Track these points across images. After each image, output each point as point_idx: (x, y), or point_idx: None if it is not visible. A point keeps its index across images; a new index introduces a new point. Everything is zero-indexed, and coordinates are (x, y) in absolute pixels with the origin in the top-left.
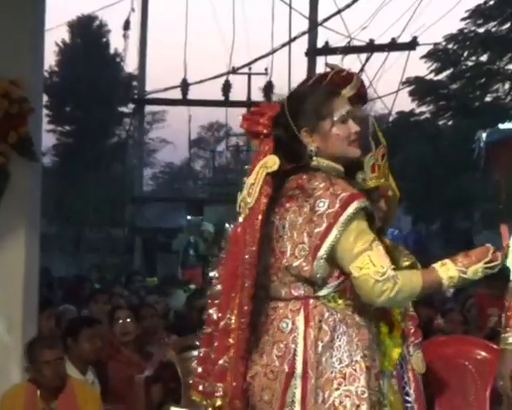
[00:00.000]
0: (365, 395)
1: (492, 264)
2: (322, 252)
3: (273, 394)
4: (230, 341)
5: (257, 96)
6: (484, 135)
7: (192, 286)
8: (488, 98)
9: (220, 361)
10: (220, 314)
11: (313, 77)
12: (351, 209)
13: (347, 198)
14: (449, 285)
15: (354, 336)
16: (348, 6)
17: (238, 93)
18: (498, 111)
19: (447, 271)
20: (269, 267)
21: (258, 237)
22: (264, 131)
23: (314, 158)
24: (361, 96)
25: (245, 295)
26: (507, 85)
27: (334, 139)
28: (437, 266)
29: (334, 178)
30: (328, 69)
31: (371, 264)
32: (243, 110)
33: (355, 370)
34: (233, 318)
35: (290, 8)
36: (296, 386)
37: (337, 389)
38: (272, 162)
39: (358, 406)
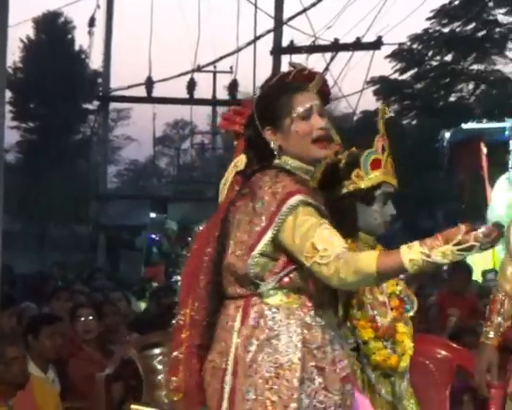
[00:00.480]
0: (295, 396)
1: (466, 245)
2: (256, 252)
3: (213, 390)
4: (183, 336)
5: (222, 94)
6: (447, 135)
7: (154, 284)
8: (452, 98)
9: (173, 355)
10: (178, 311)
11: (276, 75)
12: (285, 208)
13: (283, 197)
14: (413, 269)
15: (295, 336)
16: (313, 5)
17: (203, 91)
18: (462, 111)
19: (409, 253)
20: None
21: (216, 235)
22: (240, 130)
23: (278, 157)
24: (324, 96)
25: (199, 292)
26: (471, 85)
27: (294, 137)
28: (403, 247)
29: (281, 176)
30: (291, 68)
31: (315, 250)
32: (208, 108)
33: (289, 371)
34: (187, 314)
35: (255, 7)
36: (227, 383)
37: (270, 388)
38: (240, 162)
39: (286, 407)
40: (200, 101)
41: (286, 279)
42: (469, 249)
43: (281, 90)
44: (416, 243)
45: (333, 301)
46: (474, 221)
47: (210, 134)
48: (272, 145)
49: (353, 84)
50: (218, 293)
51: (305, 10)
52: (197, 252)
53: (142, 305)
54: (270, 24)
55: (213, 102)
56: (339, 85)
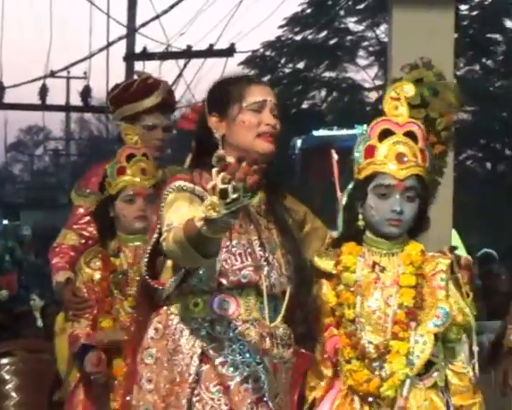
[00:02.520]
0: None
1: (223, 190)
2: (148, 249)
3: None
4: (131, 347)
5: (75, 99)
6: (299, 142)
7: (4, 292)
8: (305, 105)
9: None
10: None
11: (120, 86)
12: (162, 201)
13: (161, 193)
14: (201, 227)
15: (194, 350)
16: (166, 12)
17: (56, 96)
18: (314, 118)
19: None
20: None
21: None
22: (194, 128)
23: (218, 151)
24: (168, 105)
25: (140, 302)
26: (323, 93)
27: (239, 127)
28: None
29: (184, 174)
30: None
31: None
32: (62, 114)
33: (180, 386)
34: (133, 326)
35: (108, 16)
36: (134, 397)
37: (164, 408)
38: (186, 163)
39: None
40: (54, 107)
41: (186, 284)
42: (227, 197)
43: (237, 79)
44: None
45: (259, 308)
46: (327, 226)
47: (64, 140)
48: (216, 133)
49: (207, 90)
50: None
51: (157, 17)
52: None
53: None
54: (124, 30)
55: (67, 108)
56: (192, 92)
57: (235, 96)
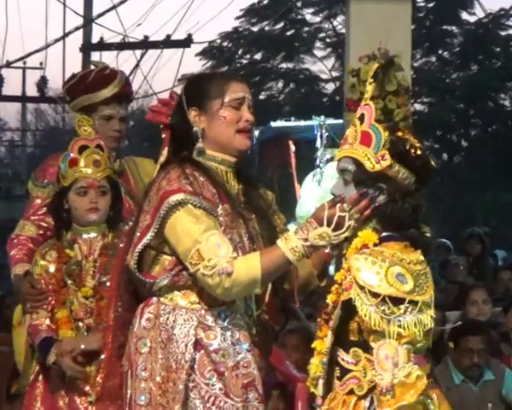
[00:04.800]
0: (179, 399)
1: (338, 223)
2: (139, 246)
3: (124, 393)
4: (107, 338)
5: (32, 90)
6: (256, 132)
7: None
8: (262, 96)
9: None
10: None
11: (78, 74)
12: (164, 206)
13: (162, 195)
14: (296, 257)
15: (188, 338)
16: (122, 2)
17: (12, 87)
18: (272, 109)
19: (287, 243)
20: None
21: (127, 234)
22: (167, 121)
23: (198, 144)
24: (125, 95)
25: (123, 292)
26: (280, 84)
27: (220, 122)
28: (278, 241)
29: (173, 171)
30: (94, 67)
31: (201, 258)
32: (18, 104)
33: (176, 373)
34: (110, 315)
35: (64, 5)
36: (128, 387)
37: (161, 394)
38: (163, 155)
39: None
40: (9, 97)
41: (178, 278)
42: (343, 227)
43: (217, 75)
44: (290, 233)
45: (246, 299)
46: (285, 217)
47: (20, 131)
48: (195, 127)
49: (164, 81)
50: (135, 293)
51: (114, 7)
52: (120, 253)
53: None
54: (80, 20)
55: (23, 99)
56: (149, 83)
57: (215, 92)
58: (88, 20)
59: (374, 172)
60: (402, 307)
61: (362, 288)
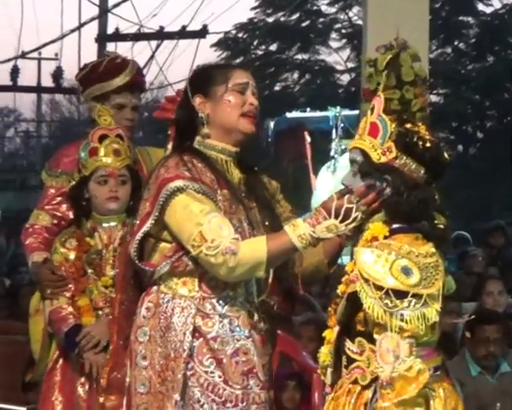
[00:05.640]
0: (178, 388)
1: (346, 214)
2: (139, 234)
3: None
4: (113, 330)
5: (47, 81)
6: (272, 124)
7: None
8: (277, 87)
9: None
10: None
11: (90, 64)
12: (164, 193)
13: (161, 183)
14: (302, 244)
15: (187, 326)
16: None
17: (28, 78)
18: (287, 100)
19: (296, 230)
20: None
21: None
22: (172, 116)
23: (203, 130)
24: (137, 84)
25: (128, 283)
26: (295, 75)
27: (225, 106)
28: (286, 227)
29: (171, 160)
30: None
31: (203, 240)
32: (33, 95)
33: (175, 361)
34: (116, 307)
35: None
36: (128, 376)
37: (161, 382)
38: (168, 150)
39: (170, 398)
40: (25, 88)
41: (178, 264)
42: (350, 218)
43: (220, 63)
44: (299, 220)
45: (245, 284)
46: (300, 208)
47: (35, 122)
48: (200, 113)
49: (179, 72)
50: (140, 283)
51: None
52: (127, 243)
53: None
54: (96, 10)
55: (38, 89)
56: (165, 73)
57: (220, 78)
58: (103, 11)
59: (380, 163)
60: (405, 300)
61: (366, 280)
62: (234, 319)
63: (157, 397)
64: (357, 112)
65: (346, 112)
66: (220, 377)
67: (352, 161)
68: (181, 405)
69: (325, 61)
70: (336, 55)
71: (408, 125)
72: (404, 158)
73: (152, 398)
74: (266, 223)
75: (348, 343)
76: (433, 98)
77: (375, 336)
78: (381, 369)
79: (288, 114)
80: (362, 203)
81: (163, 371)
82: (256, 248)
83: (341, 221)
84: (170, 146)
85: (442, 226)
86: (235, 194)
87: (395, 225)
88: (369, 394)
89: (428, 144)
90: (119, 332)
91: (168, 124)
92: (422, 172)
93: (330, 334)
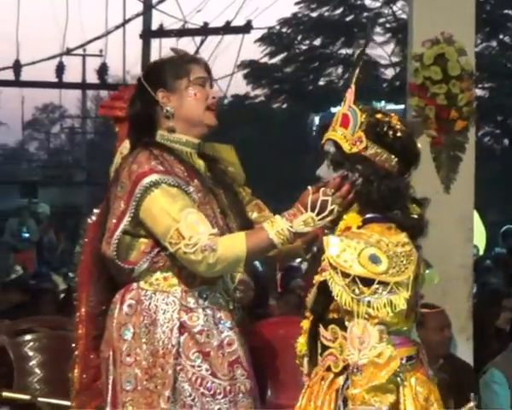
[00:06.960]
0: (168, 384)
1: (321, 208)
2: (117, 233)
3: (103, 381)
4: (79, 332)
5: (92, 77)
6: (317, 119)
7: (18, 268)
8: (321, 82)
9: (75, 353)
10: (77, 309)
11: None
12: (138, 189)
13: (136, 177)
14: (280, 240)
15: (172, 322)
16: None
17: (73, 74)
18: (331, 95)
19: (274, 227)
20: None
21: (96, 223)
22: (121, 114)
23: (169, 123)
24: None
25: (94, 286)
26: (340, 69)
27: (190, 99)
28: (264, 224)
29: (141, 155)
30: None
31: (181, 237)
32: (78, 92)
33: (163, 358)
34: (82, 311)
35: None
36: (110, 373)
37: (148, 378)
38: (125, 148)
39: (160, 395)
40: (70, 84)
41: (157, 259)
42: (326, 211)
43: (174, 57)
44: (277, 217)
45: (223, 276)
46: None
47: (80, 118)
48: (166, 107)
49: (224, 67)
50: (110, 283)
51: None
52: (88, 246)
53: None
54: (140, 7)
55: (83, 86)
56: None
57: (181, 72)
58: (148, 7)
59: (351, 153)
60: (372, 287)
61: (334, 268)
62: (216, 311)
63: (144, 394)
64: (401, 106)
65: (391, 106)
66: (207, 370)
67: (327, 153)
68: (172, 400)
69: (369, 55)
70: (380, 50)
71: (378, 116)
72: (375, 148)
73: (138, 395)
74: (233, 207)
75: (322, 331)
76: (478, 92)
77: (347, 323)
78: (352, 356)
79: (333, 109)
80: (337, 196)
81: (150, 368)
82: (235, 245)
83: (318, 214)
84: (126, 144)
85: (416, 216)
86: (206, 184)
87: (368, 215)
88: (340, 381)
89: (399, 134)
90: (86, 334)
91: (114, 122)
92: (394, 161)
93: (306, 324)
